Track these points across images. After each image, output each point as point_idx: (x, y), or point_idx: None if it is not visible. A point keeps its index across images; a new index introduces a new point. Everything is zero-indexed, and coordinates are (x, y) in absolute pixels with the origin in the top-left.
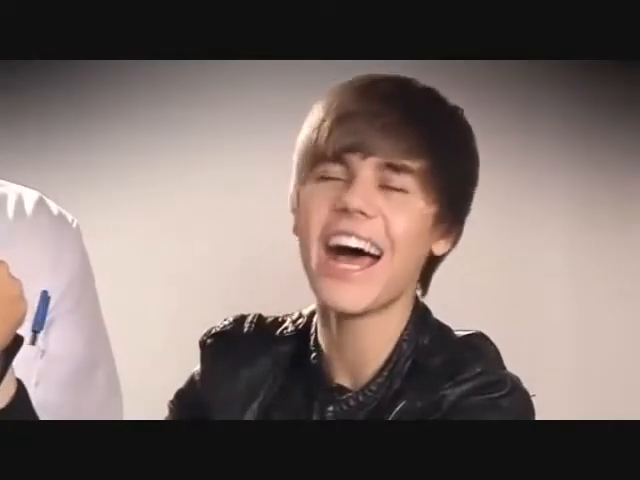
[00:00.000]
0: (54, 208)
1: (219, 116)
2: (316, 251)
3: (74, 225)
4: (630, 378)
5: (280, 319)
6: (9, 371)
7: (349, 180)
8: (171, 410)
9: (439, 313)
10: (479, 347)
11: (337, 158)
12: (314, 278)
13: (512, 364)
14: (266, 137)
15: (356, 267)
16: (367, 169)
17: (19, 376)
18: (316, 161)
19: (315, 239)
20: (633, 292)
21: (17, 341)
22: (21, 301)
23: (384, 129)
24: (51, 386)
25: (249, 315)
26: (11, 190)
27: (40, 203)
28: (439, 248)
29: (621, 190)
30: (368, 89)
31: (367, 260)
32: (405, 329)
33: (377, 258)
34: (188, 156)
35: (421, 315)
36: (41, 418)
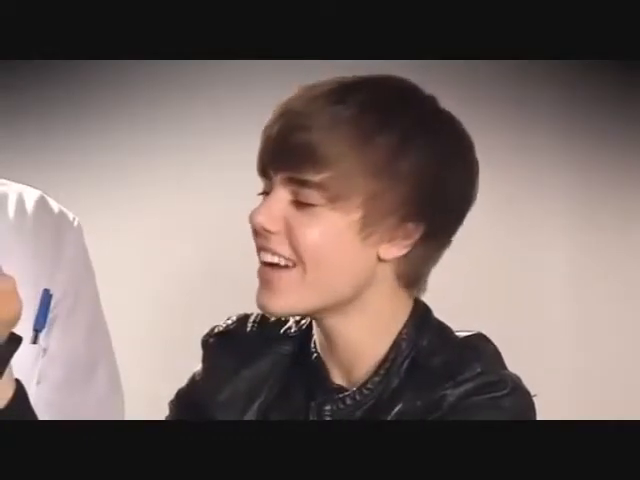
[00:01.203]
0: (55, 207)
1: (219, 116)
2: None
3: (75, 224)
4: (630, 378)
5: (283, 319)
6: (7, 372)
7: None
8: (171, 410)
9: (439, 313)
10: (479, 347)
11: (262, 172)
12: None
13: (512, 364)
14: None
15: (274, 275)
16: (279, 184)
17: (21, 375)
18: (259, 175)
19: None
20: (633, 292)
21: (15, 341)
22: (14, 298)
23: (293, 142)
24: (53, 384)
25: (252, 314)
26: (12, 189)
27: (41, 202)
28: (387, 252)
29: (621, 190)
30: (310, 90)
31: (284, 270)
32: (404, 327)
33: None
34: (188, 156)
35: (421, 315)
36: (43, 416)
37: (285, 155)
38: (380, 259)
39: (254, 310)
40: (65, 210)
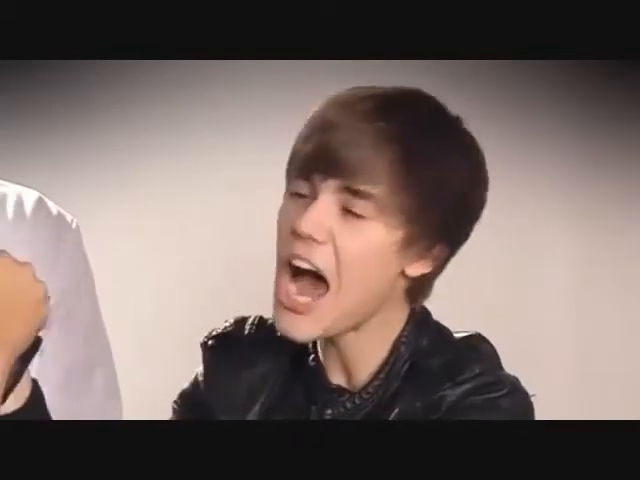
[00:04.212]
0: (53, 208)
1: (219, 116)
2: (279, 275)
3: (74, 225)
4: (630, 378)
5: None
6: (25, 372)
7: (313, 199)
8: (175, 410)
9: (438, 314)
10: (478, 348)
11: (304, 175)
12: (274, 303)
13: (512, 364)
14: (266, 137)
15: (305, 299)
16: (328, 191)
17: None
18: (291, 176)
19: (281, 260)
20: (633, 292)
21: (35, 343)
22: (44, 304)
23: (349, 151)
24: (49, 387)
25: (250, 317)
26: (11, 190)
27: (40, 203)
28: (415, 270)
29: (621, 190)
30: (351, 105)
31: (317, 292)
32: (403, 331)
33: (326, 287)
34: (188, 156)
35: (420, 317)
36: None
37: (340, 165)
38: (404, 275)
39: (254, 310)
40: (63, 212)
